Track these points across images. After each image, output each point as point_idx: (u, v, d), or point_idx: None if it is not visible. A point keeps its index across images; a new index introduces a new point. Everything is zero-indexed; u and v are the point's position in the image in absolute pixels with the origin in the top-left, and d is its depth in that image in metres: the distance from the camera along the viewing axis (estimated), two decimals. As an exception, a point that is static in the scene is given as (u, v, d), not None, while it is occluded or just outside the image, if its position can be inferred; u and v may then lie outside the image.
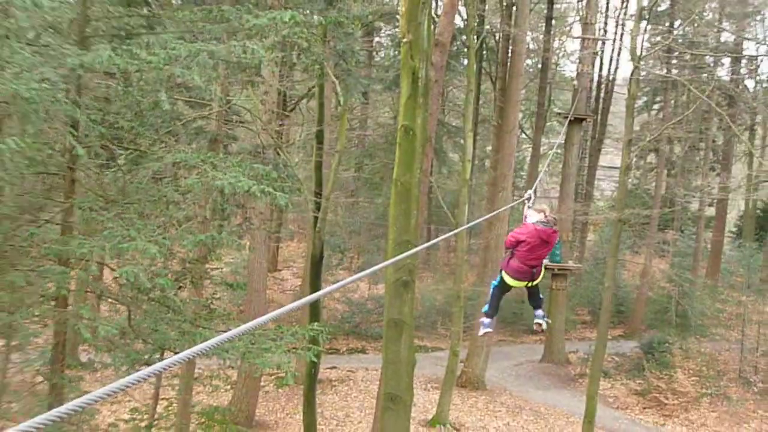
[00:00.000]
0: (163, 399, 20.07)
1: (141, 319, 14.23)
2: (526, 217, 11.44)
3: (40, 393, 14.62)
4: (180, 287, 15.80)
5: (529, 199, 12.24)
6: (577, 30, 38.40)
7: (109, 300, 16.68)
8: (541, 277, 10.98)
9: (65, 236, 13.03)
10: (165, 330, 13.81)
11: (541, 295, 11.75)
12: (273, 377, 24.88)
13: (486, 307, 11.61)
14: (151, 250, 12.46)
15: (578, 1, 39.33)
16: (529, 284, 11.03)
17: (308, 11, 17.57)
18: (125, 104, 13.65)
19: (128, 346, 14.68)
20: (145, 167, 14.48)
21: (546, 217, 10.81)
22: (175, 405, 19.37)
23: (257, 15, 13.08)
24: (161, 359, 17.11)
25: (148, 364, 16.46)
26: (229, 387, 25.26)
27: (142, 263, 13.66)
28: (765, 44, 38.81)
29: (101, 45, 12.50)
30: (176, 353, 14.38)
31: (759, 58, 39.61)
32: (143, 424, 18.71)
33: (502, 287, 11.34)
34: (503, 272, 11.12)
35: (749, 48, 38.04)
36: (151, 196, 14.19)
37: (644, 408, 30.01)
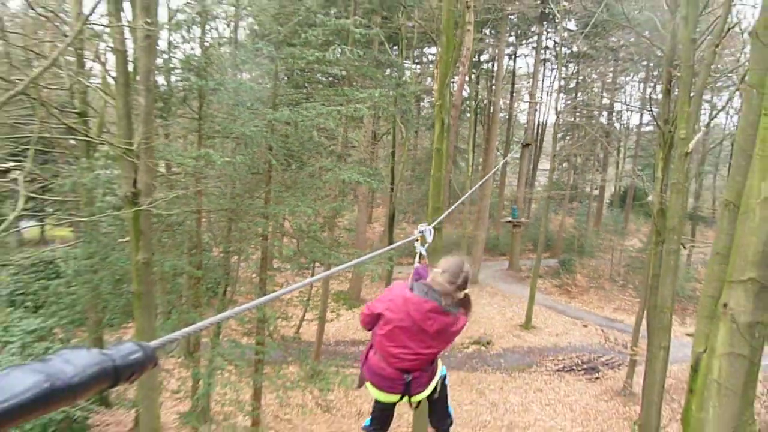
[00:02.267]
0: (315, 287, 20.03)
1: (303, 246, 14.03)
2: (414, 271, 3.33)
3: (254, 283, 14.45)
4: (323, 230, 15.68)
5: (421, 239, 3.78)
6: (526, 97, 37.70)
7: (287, 236, 16.66)
8: (428, 391, 2.99)
9: (266, 204, 12.80)
10: (315, 252, 13.82)
11: (449, 409, 3.31)
12: (369, 275, 24.44)
13: (367, 421, 3.29)
14: (308, 211, 12.59)
15: (527, 83, 38.76)
16: (409, 400, 2.96)
17: (387, 89, 17.14)
18: (295, 138, 13.59)
19: (297, 260, 14.56)
20: (305, 170, 14.37)
21: (442, 282, 2.71)
22: (320, 291, 19.33)
23: (361, 91, 12.99)
24: (313, 269, 17.18)
25: (306, 268, 16.59)
26: (348, 281, 25.52)
27: (303, 218, 13.66)
28: (625, 104, 37.72)
29: (283, 108, 12.55)
30: (323, 265, 14.52)
31: (621, 112, 38.99)
32: (306, 299, 18.88)
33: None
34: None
35: (617, 106, 37.57)
36: (308, 184, 14.14)
37: (560, 294, 29.34)
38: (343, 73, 16.27)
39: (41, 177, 13.63)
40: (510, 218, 30.88)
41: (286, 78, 14.56)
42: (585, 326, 23.96)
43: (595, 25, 22.99)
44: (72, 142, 15.29)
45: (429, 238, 3.67)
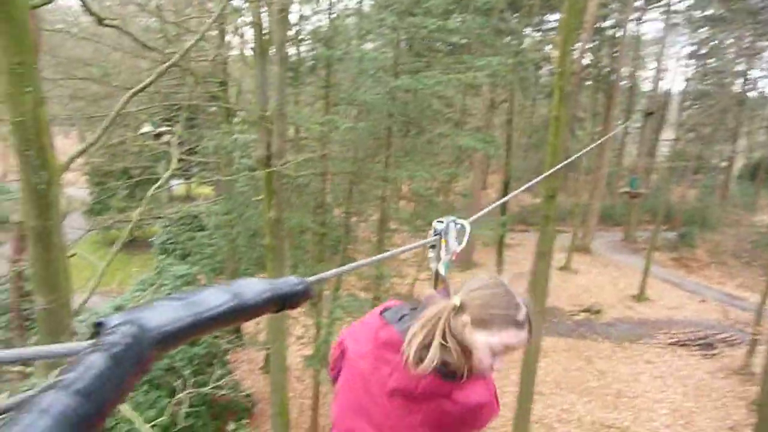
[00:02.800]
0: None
1: (419, 209, 14.13)
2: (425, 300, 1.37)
3: (372, 242, 14.74)
4: (438, 195, 15.67)
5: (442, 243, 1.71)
6: (652, 64, 34.88)
7: (404, 199, 16.82)
8: None
9: (386, 169, 12.96)
10: (431, 215, 13.81)
11: None
12: (481, 240, 24.18)
13: None
14: (426, 176, 12.62)
15: (654, 49, 35.80)
16: None
17: (506, 57, 16.60)
18: (414, 105, 13.54)
19: (414, 222, 14.68)
20: (423, 136, 14.33)
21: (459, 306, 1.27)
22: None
23: (480, 59, 12.53)
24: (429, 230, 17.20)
25: (423, 231, 16.69)
26: None
27: (421, 182, 13.71)
28: (761, 71, 33.92)
29: (404, 76, 12.50)
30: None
31: (757, 79, 35.08)
32: (420, 260, 19.10)
33: None
34: None
35: (753, 73, 33.77)
36: (426, 150, 14.14)
37: (677, 268, 27.48)
38: (463, 41, 15.94)
39: (188, 140, 14.64)
40: (628, 188, 29.08)
41: (407, 46, 14.49)
42: (702, 301, 22.35)
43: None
44: (213, 108, 16.30)
45: (455, 245, 1.74)
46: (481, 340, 1.23)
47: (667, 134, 36.68)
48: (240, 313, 0.84)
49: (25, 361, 0.71)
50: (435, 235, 1.73)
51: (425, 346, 1.22)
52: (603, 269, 26.02)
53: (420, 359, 1.21)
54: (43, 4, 5.45)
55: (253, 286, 0.90)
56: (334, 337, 12.51)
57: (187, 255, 16.91)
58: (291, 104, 12.78)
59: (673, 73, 35.62)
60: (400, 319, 1.34)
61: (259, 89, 9.86)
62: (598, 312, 20.81)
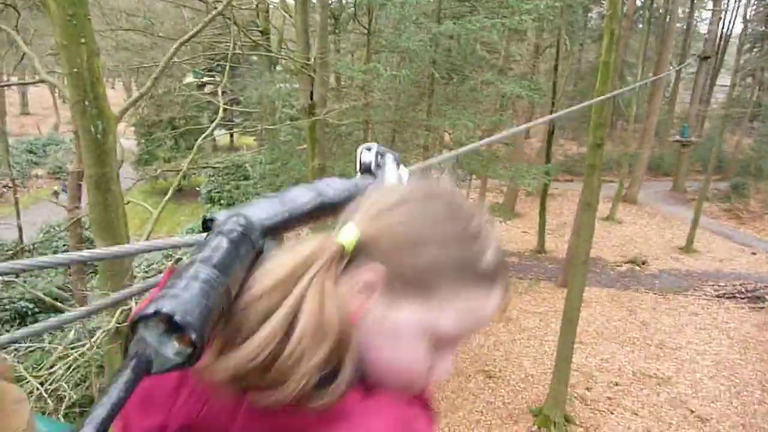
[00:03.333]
0: (471, 198, 20.15)
1: (462, 158, 14.07)
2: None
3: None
4: (480, 144, 15.47)
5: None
6: (709, 5, 32.78)
7: (446, 148, 16.75)
8: None
9: (428, 117, 12.88)
10: (474, 164, 13.90)
11: None
12: (524, 189, 23.97)
13: None
14: (469, 124, 12.47)
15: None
16: None
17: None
18: (458, 51, 13.30)
19: (456, 171, 14.70)
20: (466, 83, 14.09)
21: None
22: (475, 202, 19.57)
23: (527, 2, 12.13)
24: (470, 181, 17.14)
25: (463, 180, 16.66)
26: (503, 194, 25.20)
27: (464, 131, 13.57)
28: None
29: (447, 21, 12.25)
30: (479, 177, 14.51)
31: None
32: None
33: None
34: None
35: None
36: (469, 97, 13.96)
37: (728, 219, 26.67)
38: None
39: (231, 90, 14.77)
40: (679, 137, 28.03)
41: (450, -9, 14.11)
42: (754, 254, 21.75)
43: None
44: (255, 58, 16.32)
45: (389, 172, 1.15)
46: (409, 322, 0.66)
47: (723, 80, 34.95)
48: (324, 208, 0.94)
49: (155, 250, 0.84)
50: (363, 171, 1.15)
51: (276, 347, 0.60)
52: (650, 220, 25.50)
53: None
54: (92, -46, 5.53)
55: (336, 185, 0.99)
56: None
57: (232, 204, 17.35)
58: (332, 52, 12.70)
59: (732, 13, 33.42)
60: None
61: (300, 37, 9.83)
62: (643, 263, 20.52)
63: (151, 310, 0.53)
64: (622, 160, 26.78)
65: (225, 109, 12.37)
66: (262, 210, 0.80)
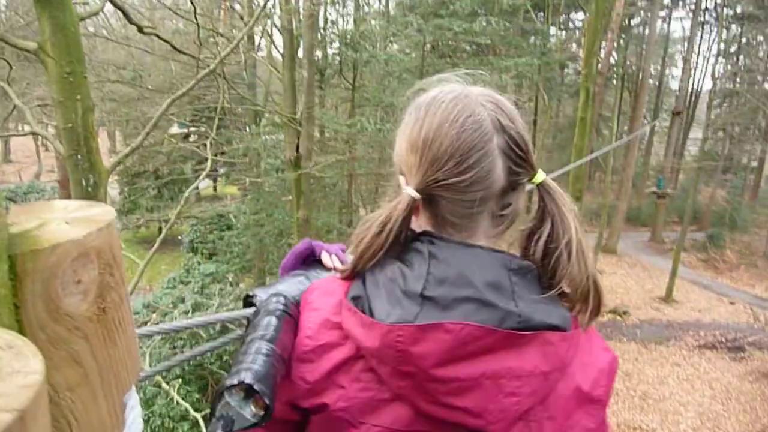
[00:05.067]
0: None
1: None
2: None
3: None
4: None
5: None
6: (679, 63, 34.34)
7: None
8: None
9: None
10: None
11: None
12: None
13: None
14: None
15: (681, 48, 35.31)
16: None
17: (532, 57, 16.61)
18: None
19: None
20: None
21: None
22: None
23: (506, 60, 12.61)
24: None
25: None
26: None
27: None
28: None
29: (430, 77, 12.57)
30: None
31: None
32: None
33: None
34: None
35: None
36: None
37: (705, 269, 27.17)
38: (488, 42, 16.05)
39: (219, 142, 14.96)
40: (655, 188, 28.75)
41: (432, 48, 14.65)
42: (732, 303, 22.08)
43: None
44: (240, 110, 16.63)
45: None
46: None
47: (696, 134, 36.19)
48: None
49: (201, 326, 0.98)
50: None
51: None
52: (629, 270, 25.85)
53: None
54: (90, 16, 5.76)
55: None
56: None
57: (215, 254, 17.29)
58: (318, 106, 13.04)
59: (701, 71, 34.95)
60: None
61: (288, 92, 10.13)
62: (624, 313, 20.70)
63: (234, 380, 0.69)
64: (600, 211, 27.33)
65: (212, 160, 12.56)
66: (293, 288, 0.96)
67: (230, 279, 15.59)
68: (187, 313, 11.28)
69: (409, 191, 0.82)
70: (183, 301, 12.46)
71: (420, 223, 0.88)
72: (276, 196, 13.85)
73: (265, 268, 15.63)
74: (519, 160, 0.84)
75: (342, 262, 1.07)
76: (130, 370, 0.58)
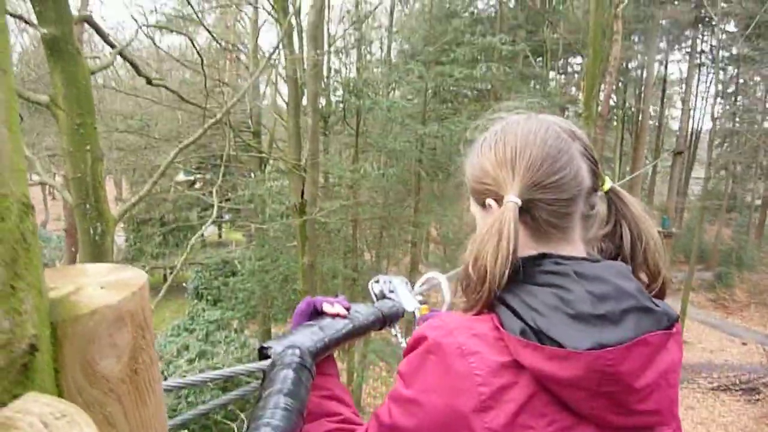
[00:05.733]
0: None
1: (449, 253, 14.26)
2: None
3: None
4: (468, 238, 15.86)
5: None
6: (678, 104, 34.88)
7: (434, 243, 16.92)
8: None
9: (415, 213, 13.19)
10: (460, 257, 13.99)
11: None
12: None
13: None
14: (455, 221, 12.67)
15: (680, 89, 35.83)
16: None
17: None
18: (443, 150, 13.83)
19: (444, 265, 14.79)
20: (452, 181, 14.53)
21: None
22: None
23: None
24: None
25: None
26: None
27: (450, 227, 13.83)
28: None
29: (432, 123, 12.79)
30: None
31: None
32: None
33: None
34: None
35: None
36: (455, 194, 14.31)
37: (715, 309, 26.83)
38: (489, 87, 16.36)
39: (225, 189, 15.11)
40: (660, 228, 28.57)
41: (434, 94, 14.93)
42: (744, 344, 21.74)
43: (758, 26, 20.88)
44: (245, 157, 16.86)
45: (412, 304, 1.33)
46: None
47: (698, 173, 36.34)
48: (356, 331, 1.11)
49: (216, 381, 0.99)
50: (378, 299, 1.33)
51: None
52: (637, 311, 25.61)
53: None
54: (101, 70, 5.92)
55: (363, 311, 1.17)
56: (368, 381, 12.61)
57: (219, 300, 17.22)
58: (322, 152, 13.22)
59: (701, 111, 35.40)
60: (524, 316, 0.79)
61: (292, 139, 10.28)
62: (634, 356, 20.40)
63: None
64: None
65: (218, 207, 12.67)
66: (306, 338, 0.98)
67: (235, 325, 15.51)
68: (191, 361, 11.17)
69: (512, 198, 0.86)
70: (187, 348, 12.36)
71: (520, 237, 0.88)
72: (281, 242, 13.88)
73: (270, 314, 15.54)
74: (594, 164, 0.93)
75: (345, 308, 1.13)
76: (159, 429, 0.59)
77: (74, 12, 5.58)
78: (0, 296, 0.37)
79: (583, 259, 0.86)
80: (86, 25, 5.96)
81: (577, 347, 0.72)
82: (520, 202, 0.86)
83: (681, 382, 15.98)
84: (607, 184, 0.96)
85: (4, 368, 0.37)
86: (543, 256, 0.85)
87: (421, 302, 1.34)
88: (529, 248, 0.90)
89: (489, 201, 0.94)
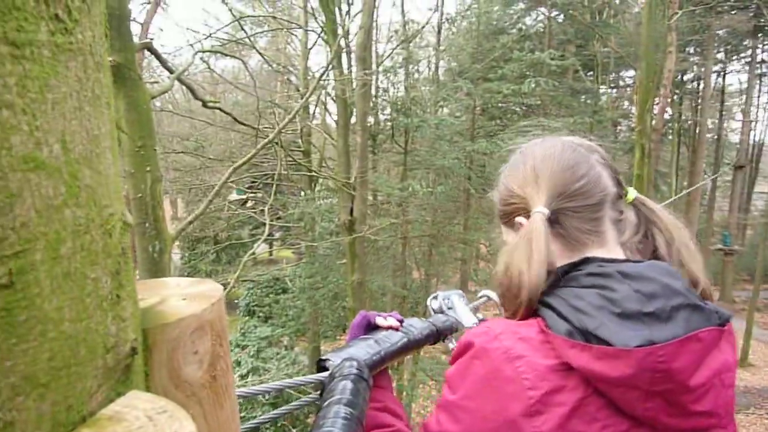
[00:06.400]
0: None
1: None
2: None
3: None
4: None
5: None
6: (738, 116, 33.66)
7: (483, 260, 16.76)
8: None
9: (465, 230, 13.13)
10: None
11: None
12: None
13: None
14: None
15: (739, 100, 34.58)
16: None
17: (583, 116, 16.51)
18: (492, 167, 13.73)
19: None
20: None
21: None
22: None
23: (557, 120, 12.86)
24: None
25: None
26: None
27: (499, 243, 13.66)
28: None
29: (480, 139, 12.75)
30: None
31: None
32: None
33: None
34: None
35: None
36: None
37: (783, 330, 25.51)
38: (538, 102, 16.20)
39: (276, 207, 15.42)
40: (721, 245, 27.60)
41: (482, 111, 14.90)
42: (815, 368, 20.57)
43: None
44: (295, 176, 17.19)
45: (470, 320, 1.40)
46: None
47: (761, 187, 34.83)
48: (411, 345, 1.15)
49: (278, 391, 1.03)
50: (436, 312, 1.42)
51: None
52: (698, 332, 24.55)
53: None
54: (160, 94, 6.20)
55: (417, 325, 1.21)
56: (418, 400, 12.52)
57: (270, 317, 17.49)
58: (370, 170, 13.35)
59: (762, 123, 34.02)
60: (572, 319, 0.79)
61: (342, 157, 10.44)
62: (695, 379, 19.55)
63: None
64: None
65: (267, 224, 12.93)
66: (362, 351, 1.01)
67: (285, 342, 15.72)
68: (243, 377, 11.37)
69: (540, 209, 0.90)
70: (239, 364, 12.59)
71: (552, 249, 0.89)
72: (330, 260, 14.02)
73: (319, 332, 15.66)
74: (615, 173, 0.97)
75: (398, 321, 1.19)
76: (234, 431, 0.64)
77: (136, 40, 5.89)
78: (109, 304, 0.42)
79: (626, 260, 0.88)
80: (146, 52, 6.26)
81: (626, 345, 0.72)
82: (547, 212, 0.90)
83: (748, 407, 15.30)
84: (632, 194, 0.99)
85: (112, 368, 0.42)
86: (586, 260, 0.87)
87: (481, 320, 1.36)
88: (566, 258, 0.91)
89: (519, 219, 0.98)
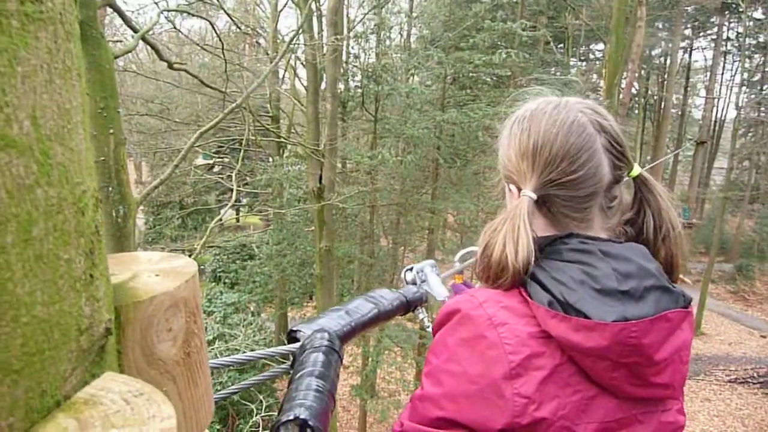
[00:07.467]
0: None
1: (467, 240, 14.24)
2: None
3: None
4: (484, 225, 15.84)
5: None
6: (702, 92, 34.31)
7: (451, 230, 16.92)
8: None
9: (432, 200, 13.19)
10: (477, 245, 14.05)
11: None
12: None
13: None
14: (472, 208, 12.63)
15: (704, 77, 35.19)
16: None
17: (553, 88, 16.68)
18: (461, 137, 13.75)
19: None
20: (470, 168, 14.44)
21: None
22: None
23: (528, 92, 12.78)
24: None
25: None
26: None
27: (467, 214, 13.80)
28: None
29: (451, 109, 12.71)
30: None
31: None
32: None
33: None
34: None
35: None
36: (472, 181, 14.25)
37: (735, 301, 26.55)
38: (509, 73, 16.19)
39: (244, 173, 15.20)
40: (680, 218, 28.29)
41: (453, 80, 14.83)
42: (763, 337, 21.52)
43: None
44: (264, 142, 16.93)
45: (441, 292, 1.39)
46: None
47: (721, 163, 35.78)
48: (382, 316, 1.15)
49: (243, 363, 1.03)
50: (409, 284, 1.39)
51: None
52: (655, 302, 25.41)
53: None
54: (124, 54, 5.98)
55: (387, 296, 1.21)
56: (383, 366, 12.71)
57: (236, 284, 17.41)
58: (340, 138, 13.23)
59: (725, 100, 34.75)
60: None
61: (311, 124, 10.32)
62: (650, 346, 20.28)
63: (290, 416, 0.73)
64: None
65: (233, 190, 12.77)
66: (334, 322, 1.01)
67: (252, 309, 15.69)
68: (210, 343, 11.33)
69: (528, 193, 0.91)
70: (205, 330, 12.54)
71: (537, 224, 0.94)
72: (298, 227, 13.97)
73: (287, 298, 15.69)
74: (620, 155, 0.95)
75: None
76: (208, 409, 0.63)
77: (98, -4, 5.65)
78: (82, 285, 0.41)
79: (607, 239, 0.91)
80: (108, 9, 6.02)
81: (603, 319, 0.76)
82: (535, 197, 0.91)
83: (698, 374, 15.91)
84: (635, 170, 0.99)
85: (86, 350, 0.41)
86: (570, 235, 0.90)
87: (458, 290, 1.42)
88: (550, 231, 0.95)
89: (511, 186, 1.02)
